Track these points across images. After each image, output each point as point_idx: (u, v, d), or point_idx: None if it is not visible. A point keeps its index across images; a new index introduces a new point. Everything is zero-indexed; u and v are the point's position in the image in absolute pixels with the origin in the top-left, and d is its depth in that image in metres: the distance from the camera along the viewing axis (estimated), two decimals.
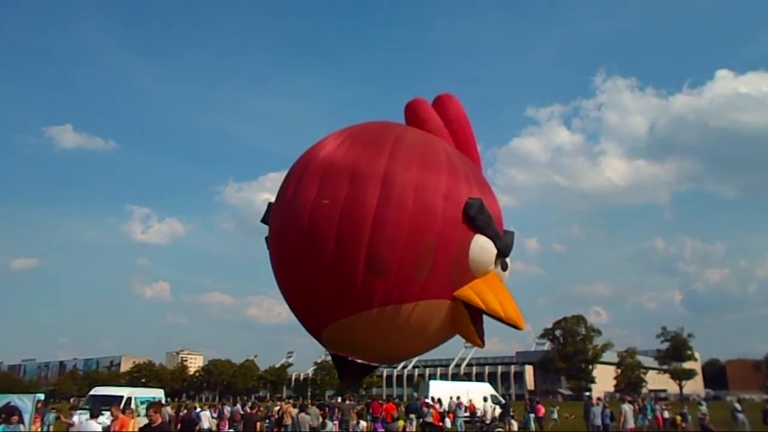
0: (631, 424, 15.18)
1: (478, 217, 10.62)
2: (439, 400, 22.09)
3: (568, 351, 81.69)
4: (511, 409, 24.22)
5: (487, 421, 20.27)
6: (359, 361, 12.47)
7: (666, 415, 23.79)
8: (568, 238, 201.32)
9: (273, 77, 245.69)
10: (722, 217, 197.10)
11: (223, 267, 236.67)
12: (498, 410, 24.25)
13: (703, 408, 22.27)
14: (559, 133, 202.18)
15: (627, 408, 15.17)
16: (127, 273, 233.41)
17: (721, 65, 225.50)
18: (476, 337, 11.40)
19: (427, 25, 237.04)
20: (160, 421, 6.97)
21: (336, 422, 22.61)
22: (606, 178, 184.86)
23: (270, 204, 12.26)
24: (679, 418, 23.23)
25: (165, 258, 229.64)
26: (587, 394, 28.07)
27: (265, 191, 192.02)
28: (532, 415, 23.39)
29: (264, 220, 12.46)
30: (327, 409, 22.15)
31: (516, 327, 10.91)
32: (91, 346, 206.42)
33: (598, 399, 19.99)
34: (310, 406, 17.61)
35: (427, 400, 21.18)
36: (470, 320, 11.05)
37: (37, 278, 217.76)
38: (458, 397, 23.68)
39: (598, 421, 17.10)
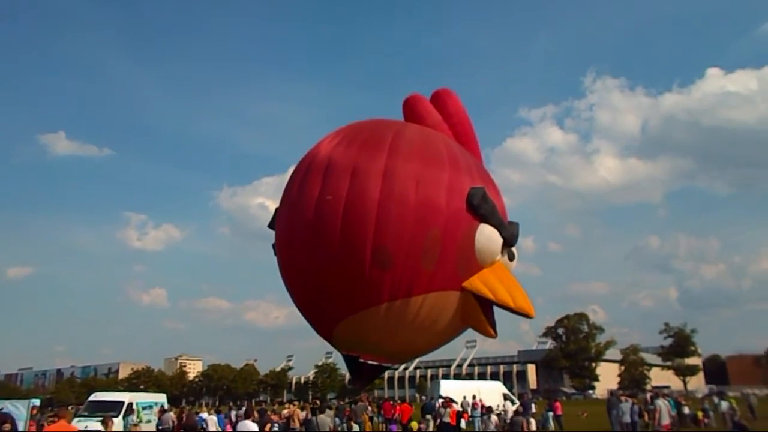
0: (666, 420, 14.49)
1: (482, 206, 10.04)
2: (451, 400, 21.34)
3: (571, 349, 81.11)
4: (533, 405, 23.51)
5: (507, 420, 19.57)
6: (371, 362, 11.81)
7: (686, 411, 23.08)
8: (564, 238, 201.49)
9: (266, 82, 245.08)
10: (716, 213, 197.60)
11: (220, 272, 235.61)
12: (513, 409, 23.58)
13: (725, 405, 21.48)
14: (552, 134, 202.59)
15: (662, 404, 14.49)
16: (124, 280, 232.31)
17: (709, 64, 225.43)
18: (488, 327, 10.71)
19: (419, 29, 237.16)
20: None
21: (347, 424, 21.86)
22: (600, 177, 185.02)
23: (277, 210, 11.62)
24: (701, 413, 22.53)
25: (161, 264, 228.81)
26: (611, 390, 27.32)
27: (260, 195, 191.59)
28: (550, 414, 22.69)
29: (271, 226, 11.83)
30: (351, 410, 21.38)
31: (527, 316, 10.25)
32: (89, 354, 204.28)
33: (626, 395, 19.29)
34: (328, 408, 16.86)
35: (441, 400, 20.44)
36: (481, 311, 10.41)
37: (33, 287, 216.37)
38: (474, 396, 23.03)
39: (627, 418, 16.38)
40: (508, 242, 11.04)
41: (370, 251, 10.09)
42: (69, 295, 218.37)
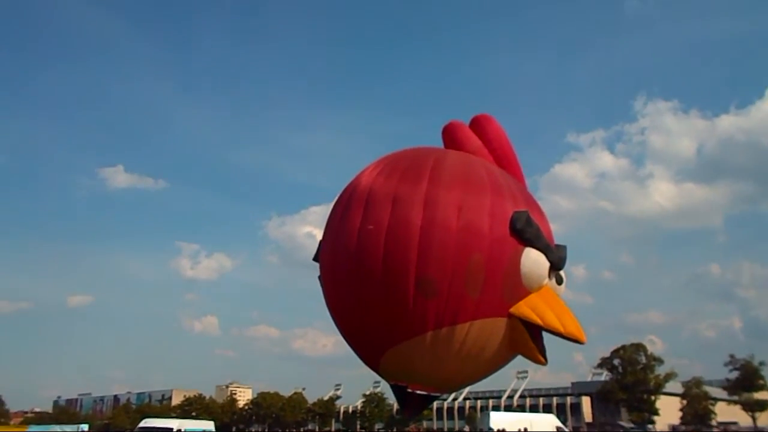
0: None
1: (526, 230, 9.88)
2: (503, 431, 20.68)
3: (628, 381, 77.47)
4: None
5: None
6: (419, 392, 11.55)
7: None
8: (618, 265, 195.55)
9: (311, 111, 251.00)
10: None
11: (269, 300, 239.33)
12: None
13: None
14: (603, 158, 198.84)
15: None
16: (178, 308, 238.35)
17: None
18: (537, 354, 10.43)
19: (466, 55, 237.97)
20: None
21: None
22: (654, 202, 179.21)
23: (321, 242, 11.69)
24: None
25: (213, 293, 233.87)
26: (674, 425, 25.93)
27: (307, 224, 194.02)
28: None
29: (316, 258, 11.89)
30: None
31: (577, 341, 9.93)
32: (143, 380, 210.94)
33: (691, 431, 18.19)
34: None
35: None
36: (530, 337, 10.10)
37: (93, 314, 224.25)
38: (525, 429, 22.29)
39: None
40: (556, 266, 10.72)
41: (414, 280, 9.84)
42: (126, 322, 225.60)
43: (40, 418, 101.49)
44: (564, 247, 10.56)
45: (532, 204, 11.01)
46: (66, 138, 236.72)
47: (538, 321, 9.89)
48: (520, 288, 9.93)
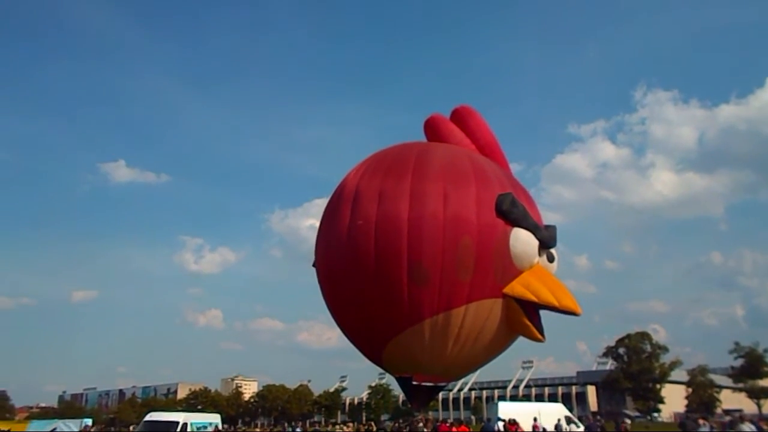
0: None
1: (512, 211, 9.87)
2: (514, 421, 20.56)
3: (633, 370, 77.46)
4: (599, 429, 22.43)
5: None
6: (425, 383, 11.48)
7: None
8: (620, 254, 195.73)
9: (313, 105, 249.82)
10: None
11: (273, 293, 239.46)
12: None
13: None
14: (604, 149, 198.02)
15: (747, 430, 13.26)
16: (182, 302, 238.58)
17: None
18: (535, 331, 10.39)
19: (467, 48, 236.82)
20: None
21: None
22: (656, 192, 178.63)
23: (315, 247, 11.73)
24: None
25: (217, 286, 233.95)
26: (686, 413, 25.76)
27: (310, 217, 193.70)
28: None
29: (315, 265, 11.91)
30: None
31: (573, 313, 9.90)
32: (148, 374, 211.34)
33: (704, 418, 18.03)
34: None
35: (500, 422, 19.70)
36: (525, 315, 10.09)
37: (97, 309, 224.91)
38: (534, 419, 22.18)
39: None
40: (545, 244, 10.69)
41: (406, 269, 9.91)
42: (130, 317, 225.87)
43: (45, 413, 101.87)
44: (553, 227, 10.62)
45: (518, 187, 11.11)
46: (67, 133, 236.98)
47: (533, 298, 9.92)
48: (511, 268, 9.94)
